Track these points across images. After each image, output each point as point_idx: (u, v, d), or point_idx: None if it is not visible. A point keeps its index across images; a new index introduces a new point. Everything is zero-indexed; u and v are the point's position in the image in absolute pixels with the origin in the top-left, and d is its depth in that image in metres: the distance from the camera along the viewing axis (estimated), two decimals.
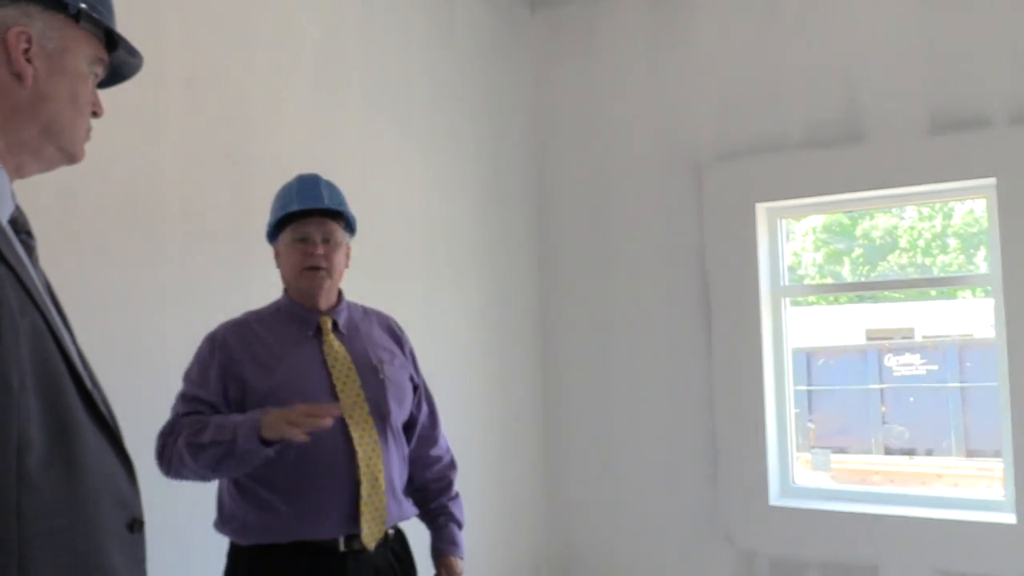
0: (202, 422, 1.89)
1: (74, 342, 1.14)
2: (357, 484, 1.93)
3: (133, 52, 1.24)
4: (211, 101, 2.80)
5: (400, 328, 2.27)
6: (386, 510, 1.98)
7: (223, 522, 2.00)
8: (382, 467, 1.99)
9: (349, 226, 2.10)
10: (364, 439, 1.97)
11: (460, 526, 2.21)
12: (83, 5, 1.12)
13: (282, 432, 1.77)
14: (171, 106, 2.67)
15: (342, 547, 1.92)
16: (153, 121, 2.62)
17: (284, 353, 2.00)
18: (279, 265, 2.10)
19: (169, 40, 2.67)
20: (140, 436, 2.42)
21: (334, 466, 1.84)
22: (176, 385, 2.44)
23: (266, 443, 1.80)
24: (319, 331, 2.06)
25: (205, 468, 1.88)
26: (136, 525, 1.10)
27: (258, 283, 2.63)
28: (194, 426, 1.89)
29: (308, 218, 2.03)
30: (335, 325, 2.08)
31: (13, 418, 0.94)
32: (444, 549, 2.17)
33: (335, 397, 1.97)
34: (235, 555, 1.97)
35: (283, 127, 3.04)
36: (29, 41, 1.07)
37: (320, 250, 2.02)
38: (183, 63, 2.71)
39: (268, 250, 2.50)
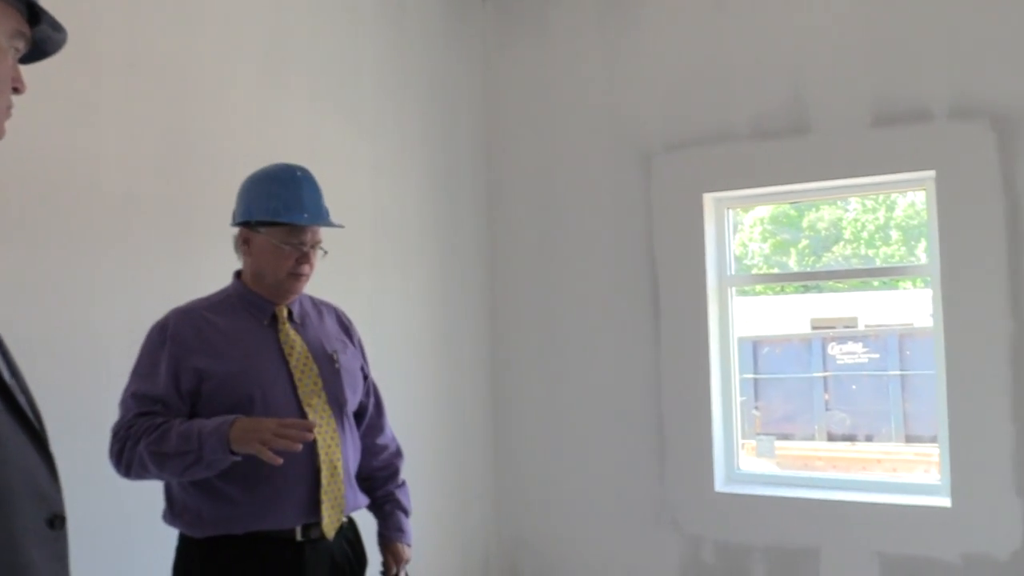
0: (163, 429, 1.82)
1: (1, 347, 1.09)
2: (317, 473, 1.92)
3: (57, 27, 1.17)
4: (152, 83, 2.72)
5: (348, 318, 2.26)
6: (344, 499, 1.98)
7: (174, 515, 1.94)
8: (340, 456, 1.98)
9: None
10: (323, 428, 1.95)
11: (407, 513, 2.22)
12: None
13: (253, 450, 1.73)
14: (110, 87, 2.60)
15: (299, 536, 1.91)
16: (92, 102, 2.54)
17: (239, 341, 1.95)
18: (249, 254, 2.00)
19: (109, 19, 2.59)
20: (78, 428, 2.37)
21: (294, 456, 1.80)
22: (116, 375, 2.38)
23: (234, 452, 1.77)
24: (274, 320, 2.02)
25: (171, 475, 1.85)
26: (57, 521, 1.06)
27: (200, 270, 2.58)
28: (153, 431, 1.82)
29: (300, 226, 1.99)
30: (290, 314, 2.05)
31: None
32: (391, 536, 2.18)
33: (293, 386, 1.95)
34: (187, 548, 1.93)
35: (227, 110, 2.98)
36: None
37: (311, 258, 2.01)
38: (123, 43, 2.63)
39: (211, 236, 2.45)
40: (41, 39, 1.17)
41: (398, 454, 2.27)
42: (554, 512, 4.16)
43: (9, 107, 1.12)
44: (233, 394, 1.88)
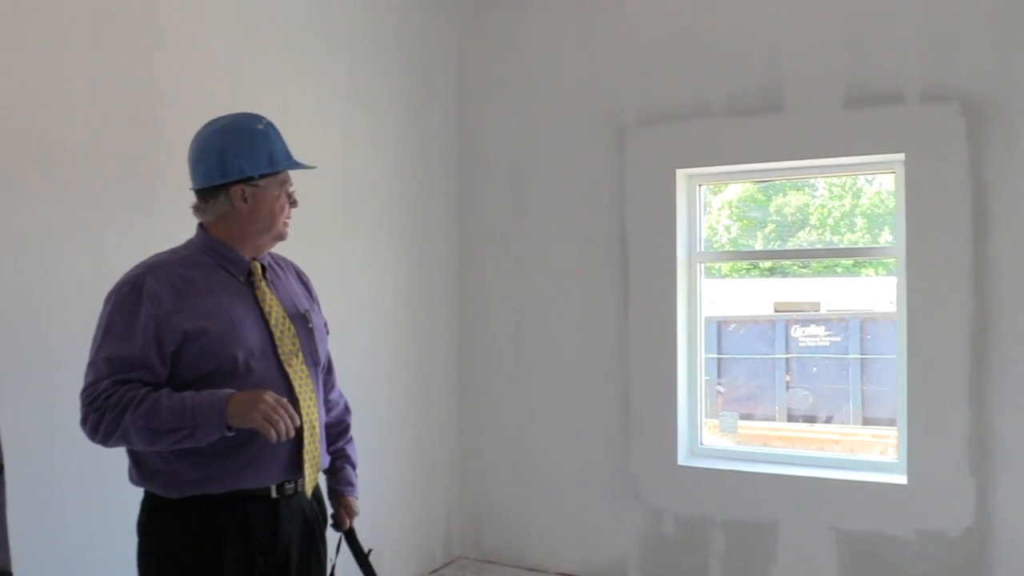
0: (151, 402, 1.76)
1: None
2: (299, 433, 1.90)
3: None
4: (118, 37, 2.65)
5: (305, 275, 2.23)
6: (319, 457, 1.99)
7: (143, 477, 1.88)
8: (317, 415, 1.98)
9: None
10: (303, 388, 1.94)
11: (355, 468, 2.24)
12: None
13: (257, 426, 1.73)
14: (76, 37, 2.52)
15: (274, 493, 1.90)
16: (57, 53, 2.46)
17: (221, 301, 1.90)
18: (242, 210, 1.95)
19: None
20: (32, 388, 2.32)
21: (279, 415, 1.78)
22: (74, 333, 2.33)
23: (230, 428, 1.75)
24: (250, 276, 1.99)
25: (158, 448, 1.80)
26: None
27: (162, 226, 2.52)
28: (139, 405, 1.76)
29: (286, 172, 2.02)
30: (264, 271, 2.02)
31: None
32: (343, 491, 2.19)
33: (273, 346, 1.93)
34: (158, 507, 1.88)
35: (197, 63, 2.91)
36: None
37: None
38: None
39: (175, 193, 2.38)
40: None
41: (347, 410, 2.28)
42: (518, 483, 4.17)
43: None
44: (216, 356, 1.84)
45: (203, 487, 1.84)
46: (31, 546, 2.21)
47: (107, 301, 1.89)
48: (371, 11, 3.76)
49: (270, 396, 1.76)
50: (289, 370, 1.93)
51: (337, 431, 2.21)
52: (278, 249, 2.14)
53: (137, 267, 1.92)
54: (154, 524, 1.89)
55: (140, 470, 1.89)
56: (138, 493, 1.93)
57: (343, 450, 2.21)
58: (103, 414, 1.78)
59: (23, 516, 1.93)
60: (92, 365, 1.84)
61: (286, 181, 2.02)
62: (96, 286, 2.12)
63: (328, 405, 2.20)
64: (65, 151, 2.50)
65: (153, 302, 1.83)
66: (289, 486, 1.92)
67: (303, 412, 1.92)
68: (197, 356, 1.83)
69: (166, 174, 2.74)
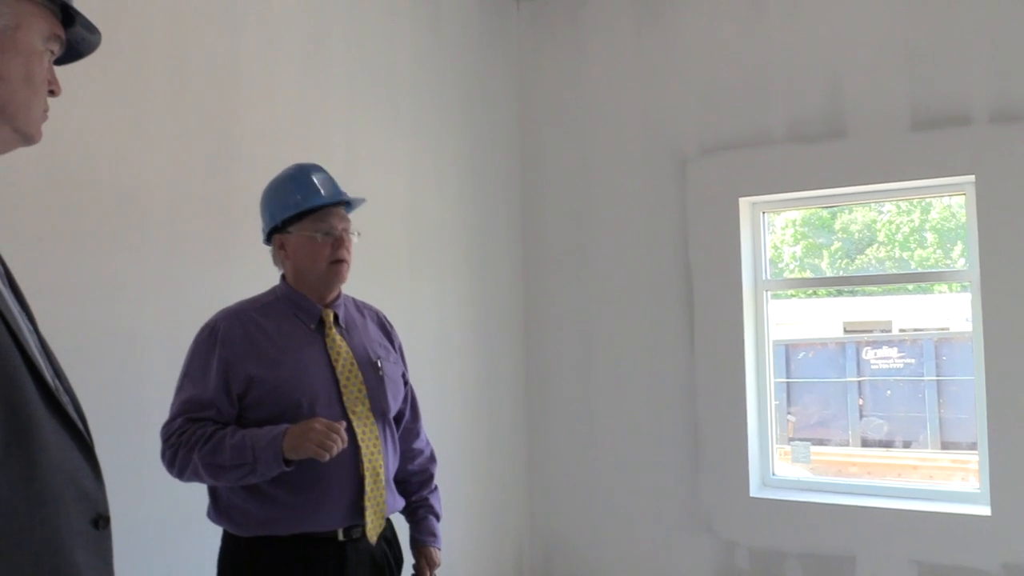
0: (215, 441, 1.86)
1: (36, 332, 1.11)
2: (361, 480, 1.96)
3: (91, 28, 1.19)
4: (197, 90, 2.77)
5: (389, 322, 2.28)
6: (385, 503, 2.02)
7: (219, 513, 1.98)
8: (382, 462, 2.02)
9: None
10: (367, 435, 1.99)
11: (439, 518, 2.26)
12: None
13: (310, 454, 1.80)
14: (156, 94, 2.65)
15: (341, 536, 1.94)
16: (138, 109, 2.59)
17: (288, 347, 1.97)
18: (286, 258, 2.04)
19: (155, 27, 2.64)
20: (122, 429, 2.42)
21: (340, 462, 1.85)
22: (158, 376, 2.42)
23: (287, 462, 1.84)
24: (321, 324, 2.05)
25: (224, 484, 1.90)
26: (101, 521, 1.08)
27: (243, 274, 2.62)
28: (206, 443, 1.86)
29: (327, 210, 2.01)
30: (336, 319, 2.07)
31: None
32: (425, 540, 2.21)
33: (339, 393, 1.98)
34: (232, 545, 1.97)
35: (269, 114, 3.02)
36: None
37: (346, 243, 2.03)
38: (169, 51, 2.68)
39: (255, 241, 2.48)
40: (75, 40, 1.20)
41: (432, 459, 2.29)
42: (588, 515, 4.16)
43: (45, 109, 1.14)
44: (281, 401, 1.92)
45: (269, 528, 1.91)
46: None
47: (191, 344, 2.02)
48: (432, 53, 3.86)
49: (320, 423, 1.82)
50: (353, 417, 1.98)
51: (420, 480, 2.24)
52: (361, 295, 2.21)
53: (218, 313, 2.04)
54: (228, 561, 1.97)
55: (216, 507, 1.99)
56: (217, 528, 2.02)
57: (426, 499, 2.23)
58: (176, 450, 1.89)
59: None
60: (172, 404, 1.97)
61: (322, 220, 2.01)
62: (179, 332, 2.22)
63: (412, 453, 2.23)
64: (148, 203, 2.62)
65: (225, 346, 1.93)
66: (356, 530, 1.96)
67: (365, 459, 1.96)
68: (262, 400, 1.91)
69: (243, 223, 2.84)
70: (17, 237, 2.22)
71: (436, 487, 2.29)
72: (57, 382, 1.09)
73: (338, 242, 2.01)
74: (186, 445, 1.88)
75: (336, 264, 2.02)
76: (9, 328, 1.00)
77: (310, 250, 2.01)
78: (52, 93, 1.15)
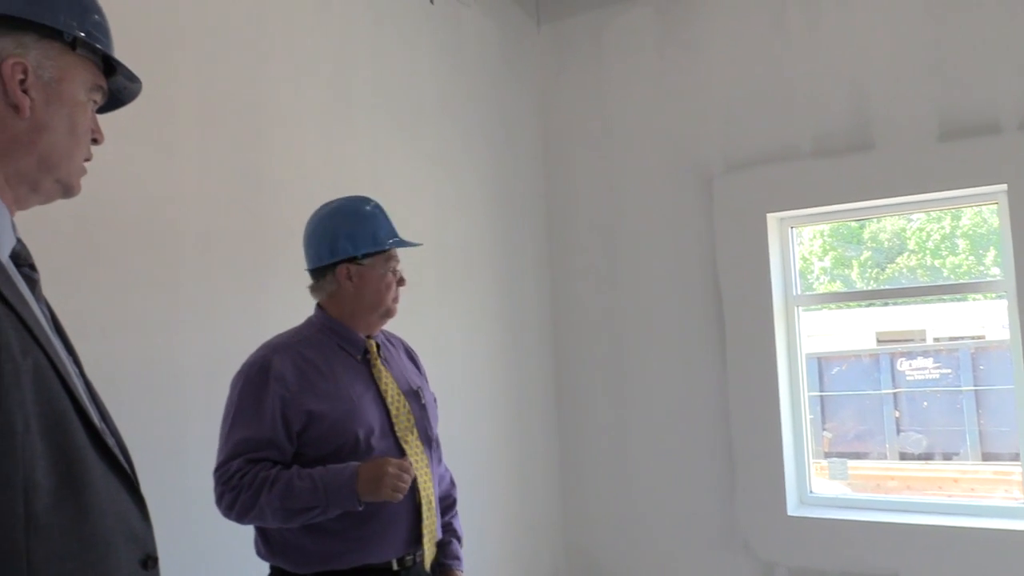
0: (283, 482, 1.84)
1: (82, 375, 1.12)
2: (418, 508, 1.98)
3: (132, 77, 1.22)
4: (225, 126, 2.81)
5: (414, 351, 2.30)
6: (436, 529, 2.06)
7: (273, 552, 1.96)
8: (433, 490, 2.06)
9: None
10: (419, 464, 2.01)
11: (461, 542, 2.28)
12: (79, 33, 1.10)
13: (386, 498, 1.83)
14: (186, 132, 2.69)
15: (395, 567, 1.96)
16: (168, 147, 2.63)
17: (341, 381, 1.99)
18: (349, 288, 2.06)
19: (182, 64, 2.69)
20: (163, 467, 2.44)
21: None
22: (200, 413, 2.44)
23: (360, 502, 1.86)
24: (366, 355, 2.07)
25: (295, 525, 1.89)
26: (150, 562, 1.09)
27: (277, 306, 2.65)
28: (272, 485, 1.84)
29: (393, 250, 2.11)
30: (378, 348, 2.10)
31: (19, 462, 0.93)
32: (451, 564, 2.23)
33: (391, 423, 2.01)
34: None
35: (296, 147, 3.06)
36: (25, 72, 1.06)
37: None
38: (196, 87, 2.72)
39: (286, 273, 2.50)
40: (117, 89, 1.23)
41: (453, 484, 2.32)
42: (622, 535, 4.13)
43: (87, 159, 1.17)
44: (340, 435, 1.92)
45: (328, 563, 1.91)
46: None
47: (235, 382, 1.99)
48: (455, 78, 3.89)
49: (392, 467, 1.84)
50: (406, 447, 2.00)
51: (444, 505, 2.25)
52: (390, 321, 2.22)
53: (262, 348, 2.03)
54: None
55: (268, 545, 1.98)
56: (265, 566, 2.01)
57: (450, 524, 2.25)
58: (238, 493, 1.87)
59: None
60: (224, 445, 1.94)
61: (391, 259, 2.10)
62: (214, 365, 2.24)
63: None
64: (181, 239, 2.65)
65: (280, 383, 1.92)
66: (408, 559, 1.98)
67: (420, 487, 1.99)
68: (321, 435, 1.92)
69: (274, 255, 2.87)
70: (55, 279, 2.26)
71: (457, 512, 2.31)
72: (103, 424, 1.10)
73: (400, 282, 2.12)
74: (249, 488, 1.86)
75: (394, 303, 2.11)
76: (58, 373, 1.01)
77: (381, 286, 2.07)
78: (95, 141, 1.18)
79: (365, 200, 2.16)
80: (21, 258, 1.09)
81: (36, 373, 0.97)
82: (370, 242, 2.06)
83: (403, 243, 2.11)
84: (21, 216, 1.13)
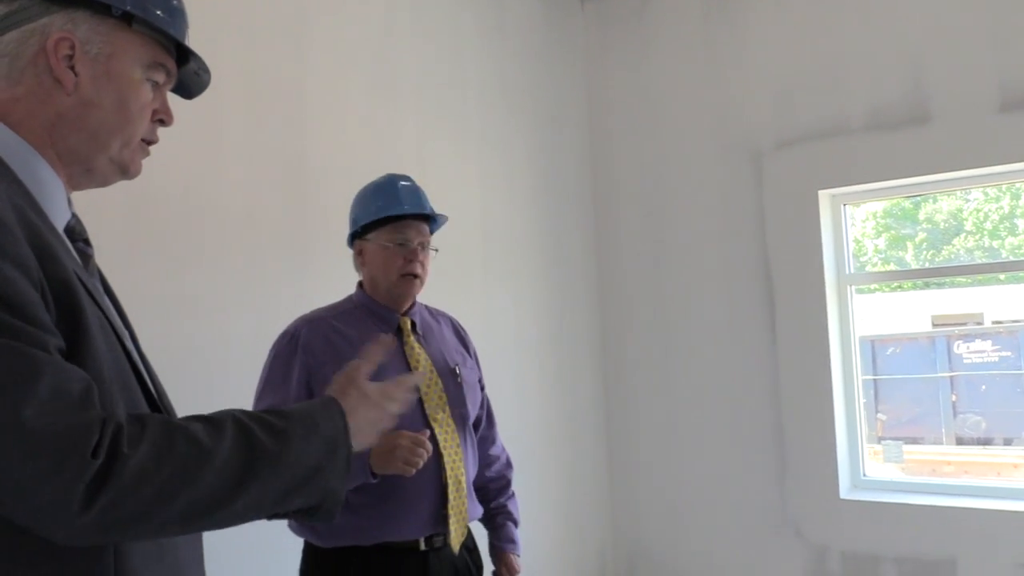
0: None
1: (137, 348, 1.14)
2: (444, 488, 1.96)
3: (205, 69, 1.21)
4: (270, 108, 2.83)
5: (464, 329, 2.28)
6: (467, 511, 2.02)
7: (302, 525, 2.00)
8: (463, 469, 2.02)
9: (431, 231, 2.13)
10: (448, 443, 1.99)
11: (517, 524, 2.25)
12: (130, 8, 1.08)
13: (397, 471, 1.80)
14: (231, 114, 2.71)
15: (423, 546, 1.95)
16: (214, 130, 2.65)
17: None
18: (363, 264, 2.06)
19: (227, 49, 2.70)
20: None
21: (423, 470, 1.85)
22: (241, 390, 2.46)
23: (374, 475, 1.85)
24: (399, 331, 2.05)
25: None
26: None
27: (319, 286, 2.65)
28: None
29: (405, 221, 2.02)
30: (413, 326, 2.08)
31: (114, 407, 0.95)
32: (504, 547, 2.20)
33: (420, 401, 1.98)
34: (315, 556, 1.98)
35: (339, 130, 3.06)
36: (72, 47, 1.04)
37: (420, 257, 2.03)
38: (241, 72, 2.74)
39: (329, 253, 2.51)
40: (187, 79, 1.22)
41: (508, 465, 2.28)
42: (672, 520, 4.09)
43: (149, 141, 1.15)
44: None
45: (353, 538, 1.91)
46: None
47: (269, 353, 2.04)
48: (499, 60, 3.85)
49: (405, 438, 1.81)
50: (435, 424, 1.98)
51: (498, 486, 2.23)
52: (437, 304, 2.21)
53: (296, 320, 2.06)
54: (310, 572, 1.99)
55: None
56: (300, 540, 2.03)
57: (504, 506, 2.22)
58: None
59: None
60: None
61: (398, 231, 2.01)
62: (259, 343, 2.25)
63: (488, 460, 2.22)
64: (227, 221, 2.68)
65: (306, 352, 1.95)
66: (437, 539, 1.96)
67: (447, 467, 1.96)
68: None
69: (317, 235, 2.89)
70: (106, 256, 2.29)
71: (513, 493, 2.27)
72: (158, 395, 1.12)
73: (411, 255, 2.01)
74: None
75: (405, 277, 2.01)
76: (121, 343, 1.03)
77: (383, 259, 2.02)
78: (162, 122, 1.16)
79: (389, 176, 2.12)
80: (76, 232, 1.09)
81: (106, 337, 0.99)
82: (370, 213, 2.03)
83: (395, 210, 1.99)
84: (77, 197, 1.13)
